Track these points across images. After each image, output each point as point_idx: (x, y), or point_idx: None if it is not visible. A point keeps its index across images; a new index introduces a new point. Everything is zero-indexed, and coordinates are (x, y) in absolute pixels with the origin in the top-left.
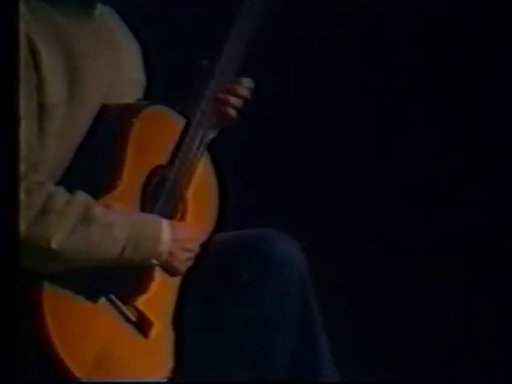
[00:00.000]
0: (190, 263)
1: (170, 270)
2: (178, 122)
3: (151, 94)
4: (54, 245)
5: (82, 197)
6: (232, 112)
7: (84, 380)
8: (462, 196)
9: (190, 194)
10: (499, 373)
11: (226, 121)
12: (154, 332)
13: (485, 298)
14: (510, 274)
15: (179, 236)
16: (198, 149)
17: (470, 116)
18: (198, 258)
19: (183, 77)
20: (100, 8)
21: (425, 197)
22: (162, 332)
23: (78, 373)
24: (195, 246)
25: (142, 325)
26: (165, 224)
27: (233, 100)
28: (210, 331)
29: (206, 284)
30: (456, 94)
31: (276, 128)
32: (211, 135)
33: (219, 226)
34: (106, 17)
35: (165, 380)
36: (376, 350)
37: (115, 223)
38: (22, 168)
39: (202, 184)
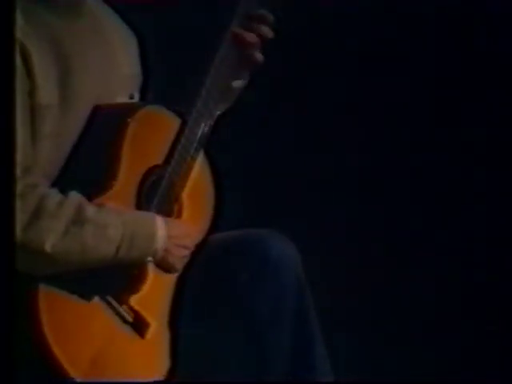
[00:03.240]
0: (185, 260)
1: (165, 267)
2: (174, 122)
3: (147, 88)
4: (47, 248)
5: (74, 197)
6: (258, 56)
7: (80, 380)
8: (461, 197)
9: (185, 194)
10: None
11: (253, 65)
12: (150, 332)
13: (485, 298)
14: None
15: (174, 232)
16: (194, 149)
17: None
18: (194, 256)
19: (182, 76)
20: (90, 2)
21: (425, 197)
22: (159, 332)
23: (74, 373)
24: (190, 243)
25: (139, 325)
26: (159, 221)
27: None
28: (207, 331)
29: (203, 284)
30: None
31: (275, 128)
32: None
33: (214, 227)
34: (96, 11)
35: (161, 380)
36: (373, 349)
37: (109, 223)
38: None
39: (197, 184)
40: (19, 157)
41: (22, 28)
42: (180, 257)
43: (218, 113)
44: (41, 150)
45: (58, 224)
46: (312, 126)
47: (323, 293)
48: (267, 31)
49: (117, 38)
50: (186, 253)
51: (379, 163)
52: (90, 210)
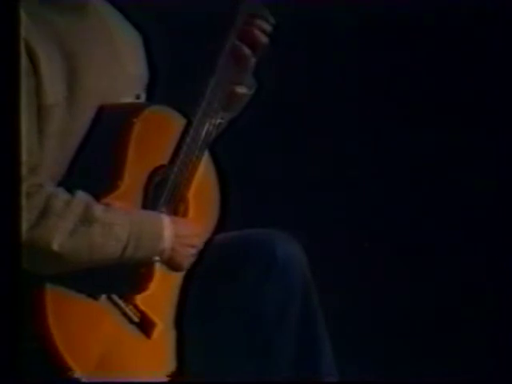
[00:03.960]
0: (192, 259)
1: (173, 266)
2: (179, 122)
3: (153, 88)
4: (55, 247)
5: (81, 197)
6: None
7: (86, 380)
8: (461, 194)
9: (191, 194)
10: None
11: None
12: (156, 332)
13: (484, 297)
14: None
15: (181, 232)
16: (199, 148)
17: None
18: (201, 256)
19: (186, 76)
20: (95, 2)
21: (426, 196)
22: (165, 332)
23: (80, 373)
24: (197, 242)
25: (145, 325)
26: (166, 220)
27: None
28: (213, 331)
29: (209, 284)
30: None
31: (277, 128)
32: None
33: (220, 226)
34: (102, 11)
35: (167, 380)
36: (377, 349)
37: (116, 222)
38: (22, 171)
39: (203, 184)
40: (26, 156)
41: (27, 27)
42: (187, 256)
43: (222, 121)
44: (46, 150)
45: (66, 223)
46: (312, 125)
47: (329, 293)
48: (268, 28)
49: (122, 38)
50: (193, 251)
51: (381, 162)
52: (98, 209)
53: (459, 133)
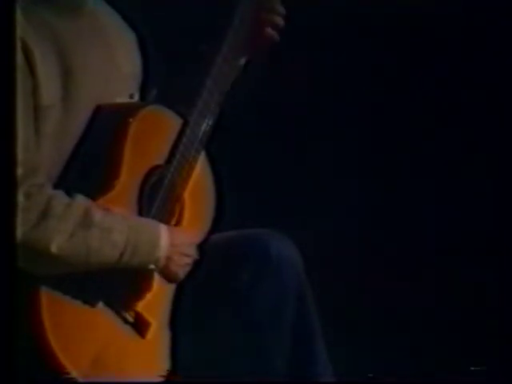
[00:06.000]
0: (187, 268)
1: (167, 275)
2: (175, 122)
3: (147, 87)
4: (53, 249)
5: (81, 200)
6: (273, 33)
7: (81, 380)
8: (460, 197)
9: (187, 194)
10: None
11: (265, 44)
12: (151, 332)
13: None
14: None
15: (177, 241)
16: (196, 149)
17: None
18: (196, 262)
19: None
20: (91, 2)
21: (424, 197)
22: (159, 332)
23: (75, 373)
24: (193, 251)
25: (139, 325)
26: (163, 229)
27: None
28: (207, 332)
29: (203, 284)
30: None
31: (275, 128)
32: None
33: (216, 226)
34: (98, 11)
35: (162, 380)
36: (374, 349)
37: (114, 227)
38: (21, 171)
39: (199, 184)
40: (25, 156)
41: (23, 27)
42: (182, 265)
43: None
44: (42, 150)
45: (65, 226)
46: (312, 125)
47: (324, 292)
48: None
49: (117, 38)
50: (188, 261)
51: (380, 163)
52: (97, 213)
53: (464, 134)
